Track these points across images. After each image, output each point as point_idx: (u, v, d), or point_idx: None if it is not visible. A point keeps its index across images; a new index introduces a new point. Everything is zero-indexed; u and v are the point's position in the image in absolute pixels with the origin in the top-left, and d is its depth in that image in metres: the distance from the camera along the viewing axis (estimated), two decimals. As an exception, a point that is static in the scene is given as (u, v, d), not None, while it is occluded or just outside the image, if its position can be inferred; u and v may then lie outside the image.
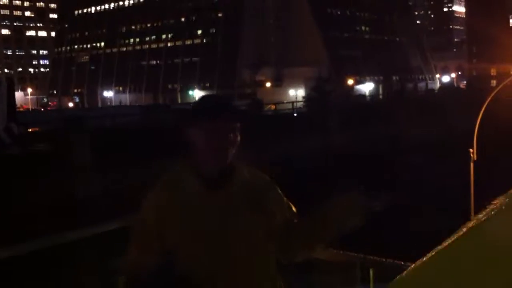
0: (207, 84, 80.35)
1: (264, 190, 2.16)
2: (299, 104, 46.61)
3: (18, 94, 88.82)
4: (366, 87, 75.96)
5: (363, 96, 66.85)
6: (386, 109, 35.43)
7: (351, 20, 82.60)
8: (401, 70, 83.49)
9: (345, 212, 2.01)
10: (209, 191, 2.08)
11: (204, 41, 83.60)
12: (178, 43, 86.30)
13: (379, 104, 48.84)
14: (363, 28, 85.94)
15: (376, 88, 78.77)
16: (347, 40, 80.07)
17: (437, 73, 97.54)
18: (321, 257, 2.77)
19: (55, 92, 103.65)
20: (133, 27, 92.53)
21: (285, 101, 51.99)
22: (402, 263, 2.46)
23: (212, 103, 2.18)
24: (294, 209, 2.21)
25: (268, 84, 73.82)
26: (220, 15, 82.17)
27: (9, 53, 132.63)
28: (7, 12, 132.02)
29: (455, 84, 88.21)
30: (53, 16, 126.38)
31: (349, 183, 2.01)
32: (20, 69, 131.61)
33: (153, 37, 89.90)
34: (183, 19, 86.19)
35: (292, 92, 69.21)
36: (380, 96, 68.96)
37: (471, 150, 10.68)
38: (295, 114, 38.10)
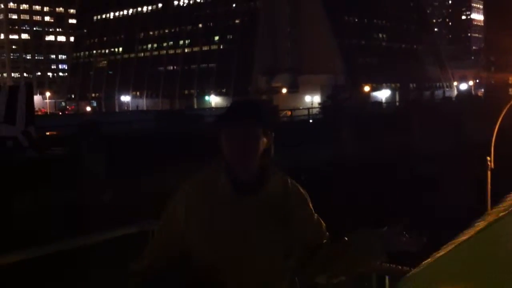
0: (223, 90, 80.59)
1: (295, 206, 2.13)
2: (315, 111, 46.52)
3: (37, 98, 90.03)
4: (383, 94, 75.59)
5: (379, 103, 66.55)
6: (402, 117, 35.22)
7: (368, 27, 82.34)
8: (418, 78, 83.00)
9: (370, 250, 1.98)
10: (238, 195, 2.08)
11: (221, 47, 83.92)
12: (195, 49, 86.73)
13: (395, 112, 48.55)
14: (380, 35, 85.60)
15: (393, 96, 78.37)
16: (364, 48, 79.82)
17: (454, 81, 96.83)
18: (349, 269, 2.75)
19: (73, 96, 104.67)
20: (150, 33, 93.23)
21: (301, 107, 51.96)
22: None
23: (238, 108, 2.18)
24: (324, 227, 2.19)
25: (284, 91, 73.84)
26: (237, 21, 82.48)
27: (28, 57, 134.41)
28: (26, 17, 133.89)
29: (472, 92, 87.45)
30: (72, 21, 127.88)
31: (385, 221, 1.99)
32: (39, 74, 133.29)
33: (171, 43, 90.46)
34: (200, 25, 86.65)
35: (308, 99, 69.13)
36: (397, 103, 68.56)
37: (488, 158, 10.56)
38: (310, 121, 38.02)
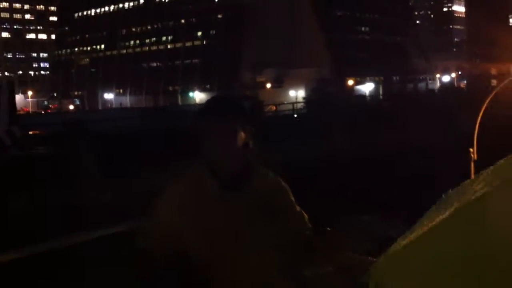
0: (208, 86, 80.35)
1: (280, 200, 2.17)
2: (300, 105, 46.61)
3: (19, 97, 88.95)
4: (367, 88, 75.93)
5: (363, 96, 66.85)
6: (385, 109, 35.46)
7: (353, 21, 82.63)
8: (401, 71, 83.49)
9: (353, 239, 2.02)
10: (224, 192, 2.09)
11: (204, 43, 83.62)
12: (178, 45, 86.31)
13: (378, 105, 48.85)
14: (363, 29, 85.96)
15: (376, 89, 78.77)
16: (348, 42, 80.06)
17: (437, 73, 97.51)
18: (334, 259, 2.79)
19: (55, 94, 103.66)
20: (133, 29, 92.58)
21: (285, 102, 52.01)
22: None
23: (213, 103, 2.19)
24: (306, 219, 2.22)
25: (268, 85, 73.83)
26: (219, 16, 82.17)
27: (9, 56, 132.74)
28: (7, 15, 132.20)
29: (455, 84, 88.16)
30: (53, 18, 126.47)
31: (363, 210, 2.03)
32: (20, 72, 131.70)
33: (153, 39, 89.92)
34: (183, 21, 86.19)
35: (292, 93, 69.22)
36: (380, 96, 68.95)
37: (471, 149, 10.67)
38: (295, 115, 38.10)
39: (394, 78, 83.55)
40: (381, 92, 76.66)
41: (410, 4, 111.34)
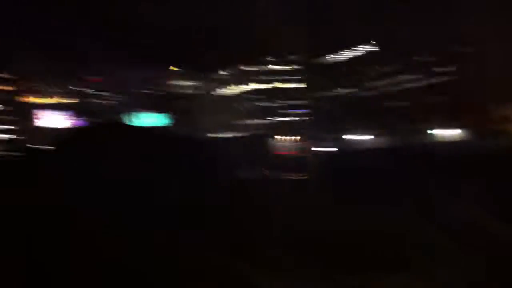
0: (453, 123, 77.94)
1: None
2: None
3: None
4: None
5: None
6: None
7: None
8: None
9: None
10: None
11: (445, 79, 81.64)
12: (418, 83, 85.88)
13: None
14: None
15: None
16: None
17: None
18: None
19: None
20: (370, 71, 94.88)
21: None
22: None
23: None
24: None
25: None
26: (461, 50, 79.50)
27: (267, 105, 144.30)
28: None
29: None
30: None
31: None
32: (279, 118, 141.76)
33: (390, 79, 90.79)
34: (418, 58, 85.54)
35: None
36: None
37: None
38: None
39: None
40: None
41: None
